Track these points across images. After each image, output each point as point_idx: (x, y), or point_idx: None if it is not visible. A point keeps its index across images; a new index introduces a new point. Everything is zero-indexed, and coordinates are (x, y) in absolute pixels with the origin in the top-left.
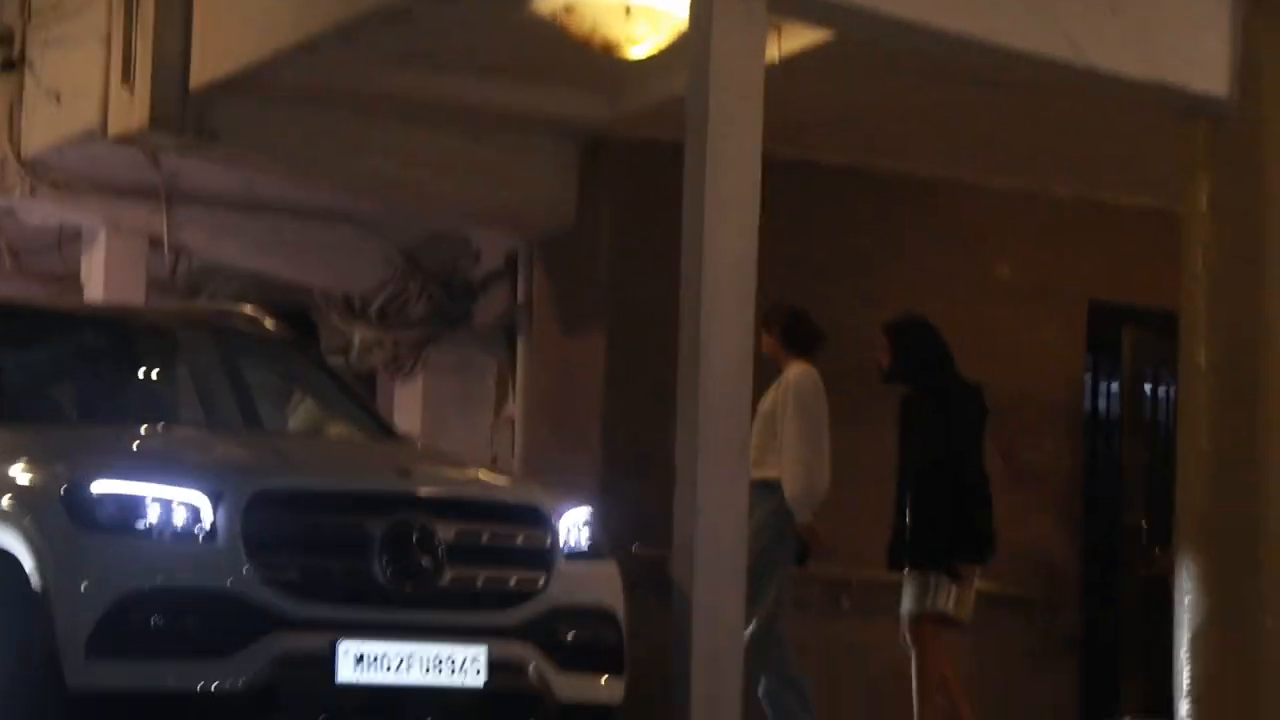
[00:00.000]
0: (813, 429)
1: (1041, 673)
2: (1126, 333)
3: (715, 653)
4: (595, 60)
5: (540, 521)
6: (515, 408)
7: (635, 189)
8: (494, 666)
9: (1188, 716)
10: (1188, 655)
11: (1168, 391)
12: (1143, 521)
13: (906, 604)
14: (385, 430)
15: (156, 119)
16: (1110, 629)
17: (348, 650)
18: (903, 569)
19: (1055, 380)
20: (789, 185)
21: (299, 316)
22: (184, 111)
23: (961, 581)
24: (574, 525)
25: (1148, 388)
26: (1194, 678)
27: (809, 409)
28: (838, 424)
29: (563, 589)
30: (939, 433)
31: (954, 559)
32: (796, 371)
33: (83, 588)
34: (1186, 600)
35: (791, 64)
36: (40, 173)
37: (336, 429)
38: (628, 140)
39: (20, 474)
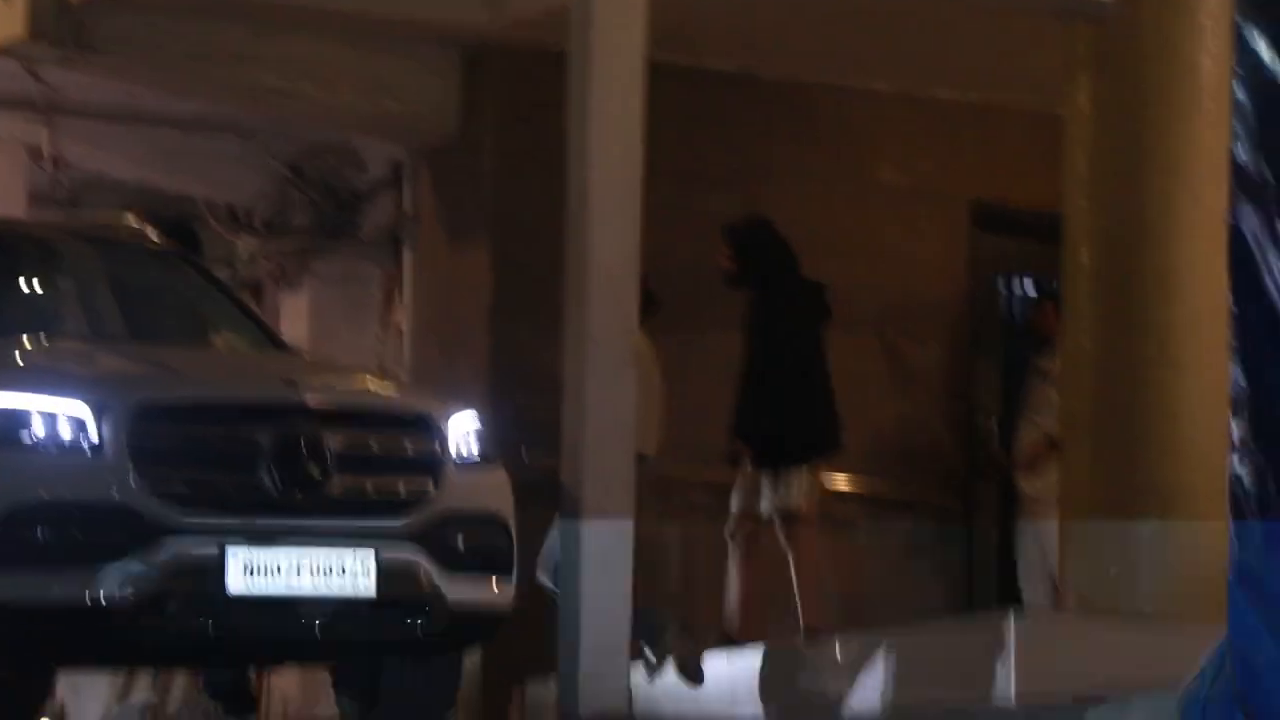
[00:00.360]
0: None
1: (926, 574)
2: (1004, 235)
3: (604, 553)
4: None
5: (428, 429)
6: (402, 318)
7: (519, 98)
8: (384, 572)
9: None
10: (1072, 550)
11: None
12: (994, 424)
13: (766, 504)
14: (272, 341)
15: (35, 31)
16: (977, 530)
17: (236, 558)
18: (747, 466)
19: (938, 283)
20: (673, 92)
21: (181, 227)
22: (62, 23)
23: (812, 477)
24: (462, 432)
25: (1019, 289)
26: (1076, 573)
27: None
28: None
29: (452, 495)
30: (783, 334)
31: (808, 455)
32: None
33: None
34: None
35: None
36: None
37: (223, 340)
38: (510, 48)
39: None
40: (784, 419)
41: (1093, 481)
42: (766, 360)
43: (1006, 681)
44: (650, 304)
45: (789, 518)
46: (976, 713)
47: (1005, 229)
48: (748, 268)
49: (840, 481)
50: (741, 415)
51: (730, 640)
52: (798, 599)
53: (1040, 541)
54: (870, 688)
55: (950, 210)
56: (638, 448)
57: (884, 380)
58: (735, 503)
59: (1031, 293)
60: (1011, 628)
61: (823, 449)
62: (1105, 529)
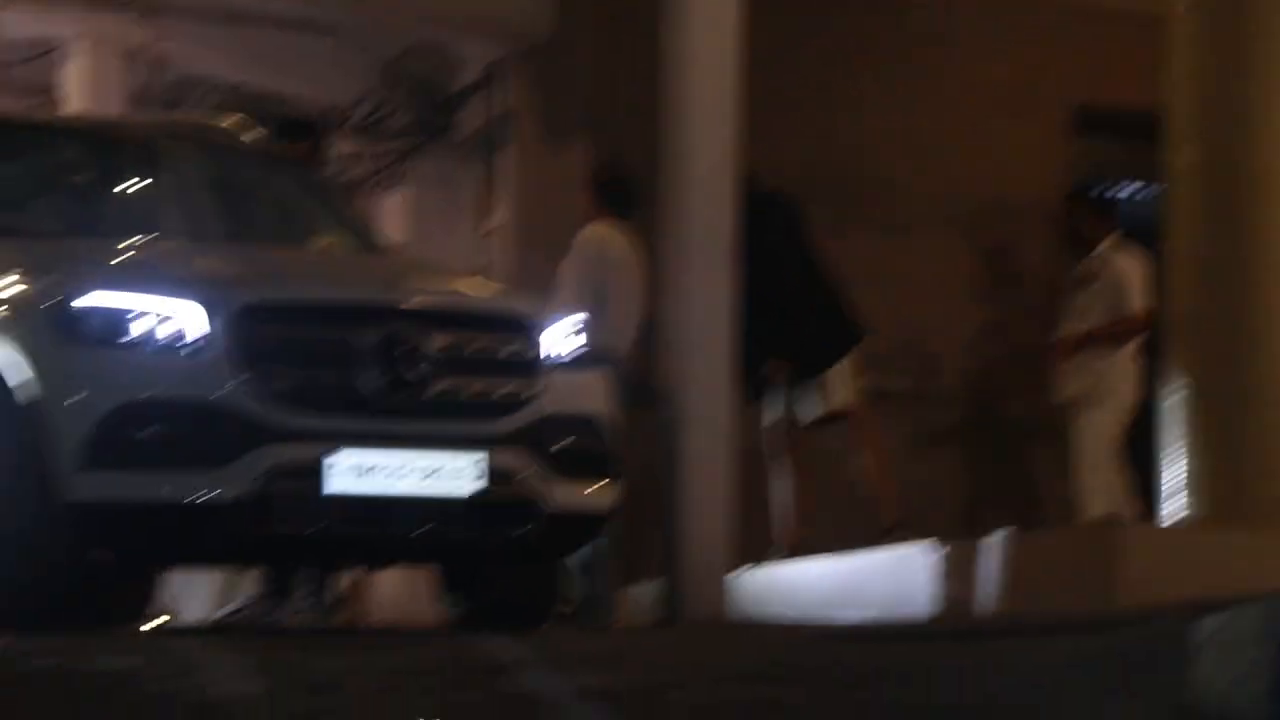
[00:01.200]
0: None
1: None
2: (1105, 137)
3: (704, 458)
4: None
5: (528, 331)
6: (500, 219)
7: None
8: (486, 475)
9: (1185, 509)
10: (1184, 452)
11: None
12: None
13: (809, 412)
14: (373, 243)
15: None
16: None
17: (339, 461)
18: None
19: (1039, 185)
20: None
21: (301, 125)
22: None
23: (848, 374)
24: (561, 334)
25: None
26: (1190, 472)
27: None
28: None
29: (552, 398)
30: (760, 247)
31: (839, 354)
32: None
33: (73, 402)
34: (1178, 399)
35: None
36: None
37: (324, 241)
38: None
39: (6, 288)
40: (802, 327)
41: (1196, 383)
42: (761, 276)
43: (1110, 589)
44: (630, 202)
45: (839, 418)
46: (1084, 621)
47: (1106, 131)
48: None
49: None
50: (759, 338)
51: (795, 552)
52: (873, 496)
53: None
54: (968, 592)
55: (1051, 112)
56: (616, 348)
57: (981, 283)
58: (768, 418)
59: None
60: (1114, 535)
61: (850, 343)
62: (1209, 431)
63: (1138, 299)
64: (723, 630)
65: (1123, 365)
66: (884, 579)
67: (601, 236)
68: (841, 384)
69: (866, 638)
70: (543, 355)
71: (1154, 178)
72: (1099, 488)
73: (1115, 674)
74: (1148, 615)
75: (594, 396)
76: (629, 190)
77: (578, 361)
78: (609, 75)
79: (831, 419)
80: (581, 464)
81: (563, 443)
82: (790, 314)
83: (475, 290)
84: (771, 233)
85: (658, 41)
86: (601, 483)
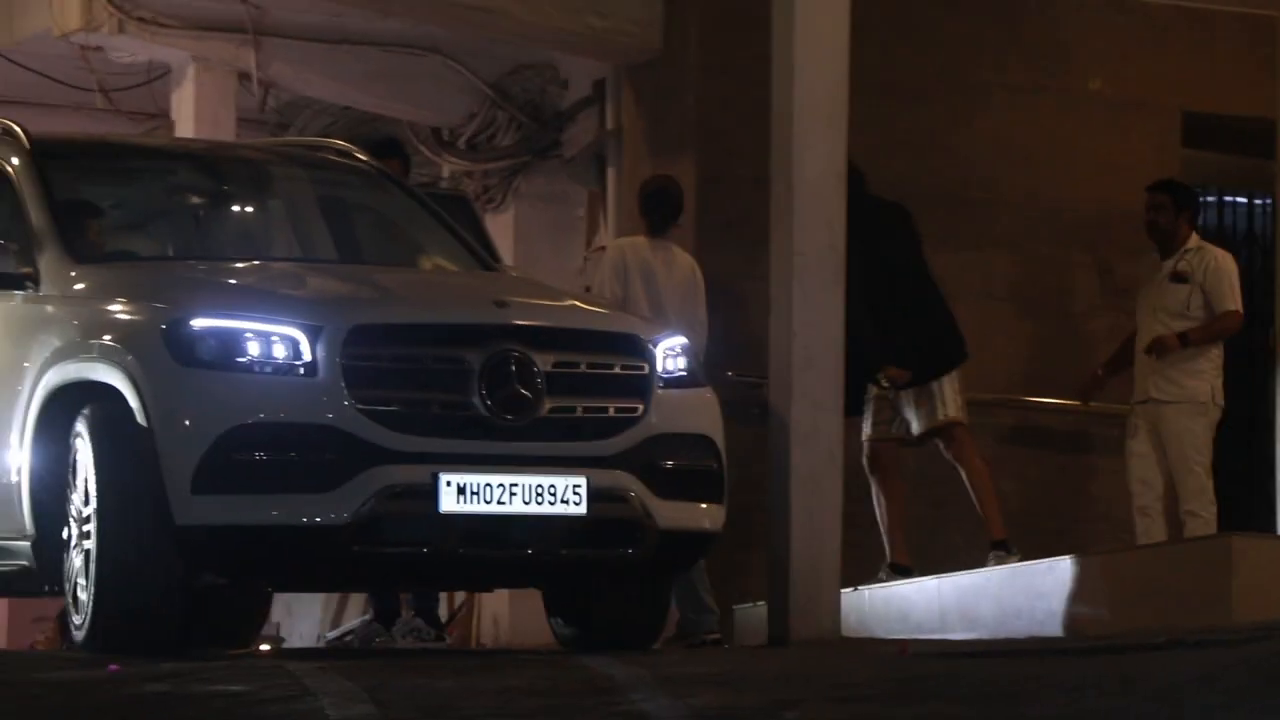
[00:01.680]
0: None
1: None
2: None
3: (814, 475)
4: None
5: (637, 350)
6: (607, 237)
7: (722, 10)
8: (595, 495)
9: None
10: None
11: (1264, 203)
12: None
13: (916, 423)
14: (481, 261)
15: None
16: None
17: (449, 481)
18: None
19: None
20: (878, 3)
21: (388, 145)
22: None
23: (956, 386)
24: (670, 353)
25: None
26: None
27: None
28: None
29: (661, 417)
30: (879, 254)
31: (949, 366)
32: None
33: (186, 424)
34: None
35: None
36: (128, 9)
37: (432, 260)
38: None
39: (120, 312)
40: (919, 336)
41: None
42: (876, 284)
43: (1224, 606)
44: (663, 216)
45: (946, 431)
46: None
47: (1216, 139)
48: None
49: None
50: (873, 348)
51: (901, 567)
52: (981, 510)
53: (1155, 447)
54: (1082, 608)
55: (1160, 120)
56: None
57: (1093, 295)
58: (869, 429)
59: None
60: (1229, 550)
61: (962, 355)
62: None
63: (1236, 298)
64: (834, 649)
65: (1215, 366)
66: (992, 597)
67: (622, 247)
68: (954, 395)
69: (982, 654)
70: (651, 373)
71: (1264, 186)
72: (1194, 491)
73: (1244, 687)
74: (1269, 629)
75: (704, 415)
76: (663, 205)
77: (688, 380)
78: (717, 89)
79: (936, 432)
80: (691, 483)
81: (673, 462)
82: (907, 323)
83: (585, 309)
84: (892, 241)
85: (764, 54)
86: (711, 501)
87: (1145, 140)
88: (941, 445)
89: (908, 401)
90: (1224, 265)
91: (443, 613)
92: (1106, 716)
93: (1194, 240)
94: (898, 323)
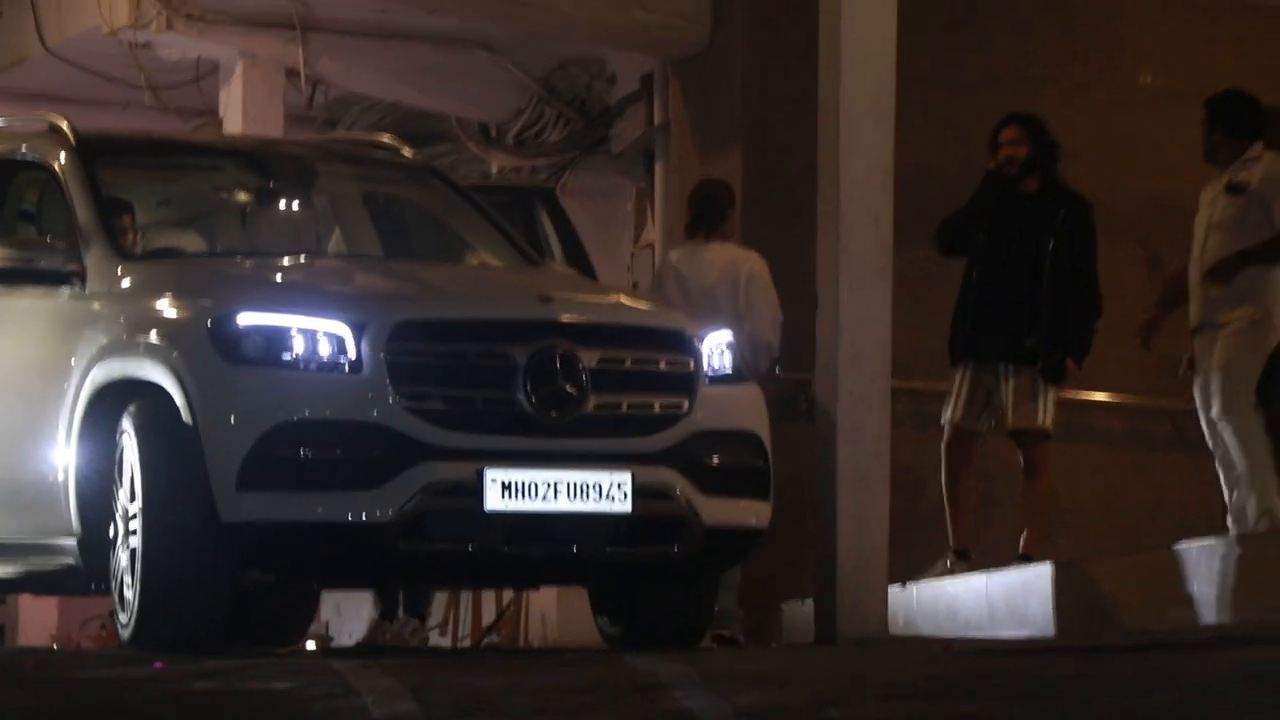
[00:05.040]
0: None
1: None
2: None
3: (861, 473)
4: None
5: (683, 346)
6: (655, 232)
7: (770, 3)
8: (640, 492)
9: None
10: None
11: None
12: None
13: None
14: (527, 257)
15: None
16: None
17: (494, 479)
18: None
19: (1198, 189)
20: None
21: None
22: None
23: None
24: (716, 349)
25: None
26: None
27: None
28: None
29: (706, 413)
30: (1058, 237)
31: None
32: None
33: (231, 421)
34: None
35: None
36: (176, 6)
37: (478, 256)
38: None
39: (166, 308)
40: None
41: None
42: (1060, 271)
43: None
44: (697, 219)
45: (1032, 436)
46: (1243, 635)
47: (1267, 131)
48: (1042, 155)
49: (1097, 394)
50: (1036, 325)
51: (964, 552)
52: (1026, 522)
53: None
54: (1124, 607)
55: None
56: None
57: (1146, 288)
58: (959, 413)
59: None
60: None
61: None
62: None
63: None
64: (880, 647)
65: (1276, 288)
66: (1038, 595)
67: (666, 253)
68: (1054, 403)
69: (1029, 652)
70: (697, 369)
71: None
72: (1243, 419)
73: None
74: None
75: (750, 412)
76: (696, 207)
77: (734, 376)
78: (764, 84)
79: (1023, 434)
80: (737, 479)
81: (718, 458)
82: (1056, 311)
83: (631, 305)
84: (1073, 235)
85: (812, 48)
86: (757, 498)
87: (1196, 133)
88: (1020, 447)
89: (1008, 394)
90: None
91: (490, 612)
92: (1151, 715)
93: (1257, 148)
94: (1054, 312)
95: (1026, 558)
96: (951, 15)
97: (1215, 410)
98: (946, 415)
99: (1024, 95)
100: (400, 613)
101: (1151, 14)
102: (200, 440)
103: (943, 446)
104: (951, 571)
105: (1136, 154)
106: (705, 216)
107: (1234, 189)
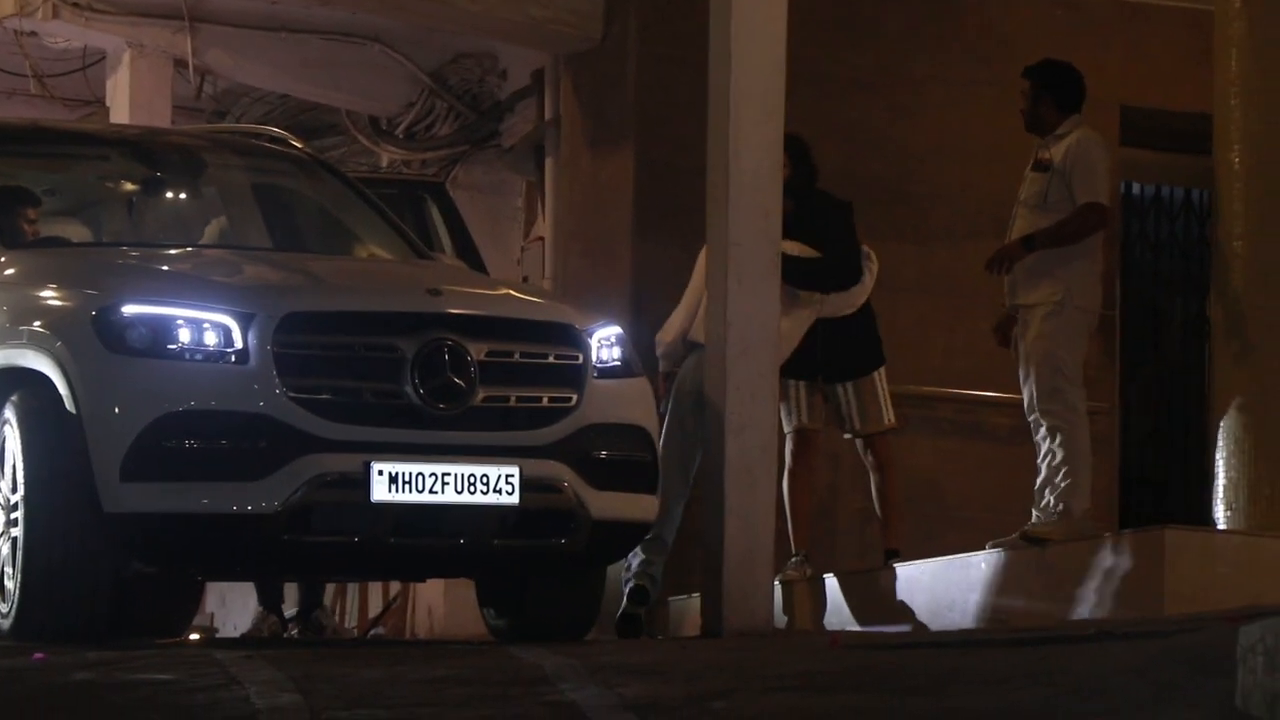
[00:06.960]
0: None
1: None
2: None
3: (748, 467)
4: None
5: (571, 339)
6: (545, 227)
7: (661, 1)
8: (528, 484)
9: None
10: (1235, 456)
11: (1200, 197)
12: None
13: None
14: (415, 250)
15: None
16: None
17: (382, 470)
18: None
19: None
20: None
21: None
22: None
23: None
24: (605, 343)
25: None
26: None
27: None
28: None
29: (595, 407)
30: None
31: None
32: None
33: (115, 411)
34: (1229, 403)
35: None
36: None
37: (366, 249)
38: None
39: (51, 298)
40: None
41: (1240, 381)
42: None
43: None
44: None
45: (878, 435)
46: (1125, 630)
47: (1154, 135)
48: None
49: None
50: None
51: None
52: (883, 516)
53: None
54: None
55: (1098, 115)
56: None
57: None
58: (805, 419)
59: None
60: (1162, 542)
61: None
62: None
63: (1102, 188)
64: (768, 641)
65: (1086, 267)
66: (925, 590)
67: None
68: (888, 398)
69: (911, 646)
70: (586, 363)
71: (1200, 182)
72: (1057, 410)
73: (1169, 681)
74: (1200, 622)
75: (639, 406)
76: None
77: (622, 370)
78: (656, 79)
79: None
80: (625, 473)
81: (606, 452)
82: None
83: (519, 298)
84: (829, 233)
85: (703, 45)
86: (645, 491)
87: None
88: (862, 447)
89: (849, 399)
90: (1089, 150)
91: (377, 604)
92: (1032, 709)
93: (1069, 124)
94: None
95: (894, 552)
96: (841, 9)
97: (1025, 404)
98: (791, 424)
99: (909, 95)
100: (256, 604)
101: (1039, 14)
102: (84, 430)
103: (788, 454)
104: (801, 573)
105: (1024, 154)
106: None
107: (1040, 166)
